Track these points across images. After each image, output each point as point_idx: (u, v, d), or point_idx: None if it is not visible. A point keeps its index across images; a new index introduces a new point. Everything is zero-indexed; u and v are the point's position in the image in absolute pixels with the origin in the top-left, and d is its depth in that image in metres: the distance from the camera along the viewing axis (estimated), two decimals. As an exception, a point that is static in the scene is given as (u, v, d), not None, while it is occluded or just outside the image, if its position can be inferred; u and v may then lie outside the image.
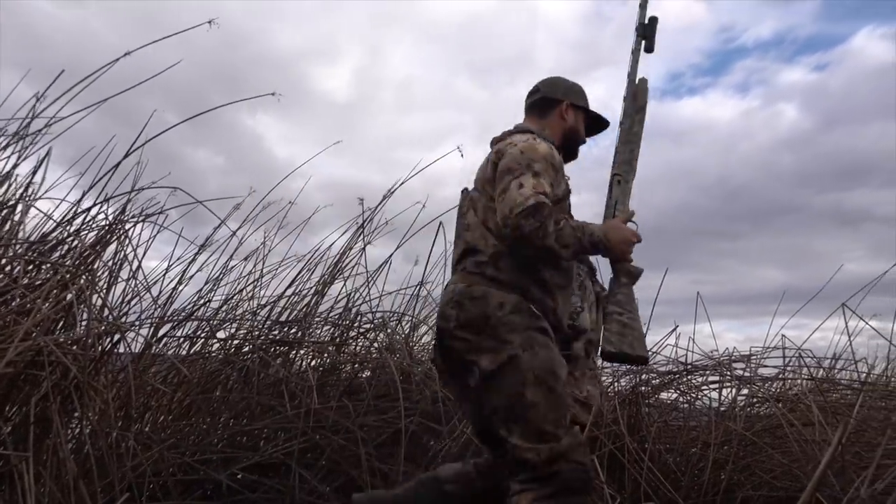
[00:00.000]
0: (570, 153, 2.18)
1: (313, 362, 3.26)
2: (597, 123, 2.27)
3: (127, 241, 2.48)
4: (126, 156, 2.43)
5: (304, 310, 3.29)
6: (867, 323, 2.94)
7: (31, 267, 2.22)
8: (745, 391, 3.26)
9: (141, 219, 2.51)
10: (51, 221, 2.35)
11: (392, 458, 2.65)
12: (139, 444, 2.33)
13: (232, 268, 3.26)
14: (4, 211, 2.30)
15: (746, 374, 3.29)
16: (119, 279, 2.54)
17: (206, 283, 3.14)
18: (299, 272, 3.36)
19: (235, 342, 3.12)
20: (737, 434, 2.82)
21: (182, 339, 2.99)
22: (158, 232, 2.70)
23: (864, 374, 3.30)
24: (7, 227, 2.29)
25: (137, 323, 2.67)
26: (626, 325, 1.96)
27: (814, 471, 2.02)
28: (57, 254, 2.33)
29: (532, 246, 1.82)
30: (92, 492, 1.98)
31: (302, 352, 3.24)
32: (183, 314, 2.99)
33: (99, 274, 2.40)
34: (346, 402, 2.76)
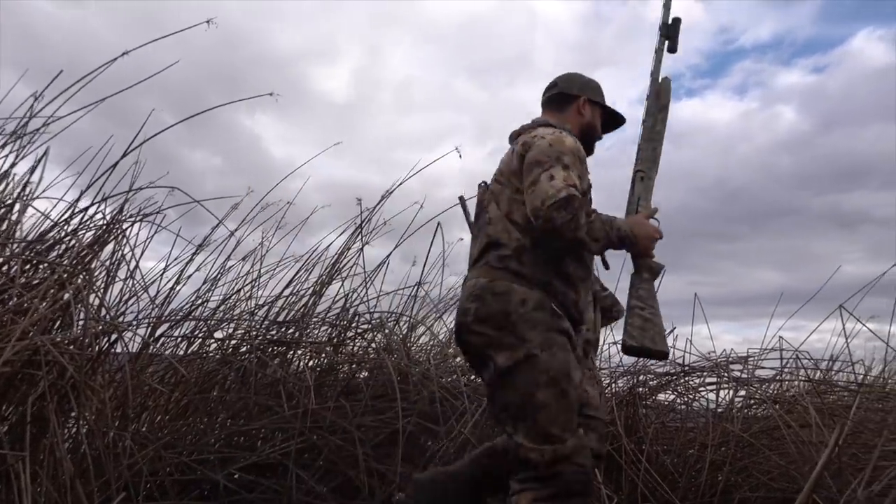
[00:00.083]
0: (586, 149, 2.18)
1: (311, 362, 3.26)
2: (613, 120, 2.28)
3: (124, 240, 2.48)
4: (124, 155, 2.43)
5: (301, 310, 3.29)
6: (864, 325, 2.94)
7: (28, 266, 2.22)
8: (742, 392, 3.26)
9: (138, 218, 2.51)
10: (48, 221, 2.35)
11: (389, 458, 2.65)
12: (136, 444, 2.33)
13: (230, 268, 3.26)
14: (2, 210, 2.30)
15: (744, 375, 3.30)
16: (116, 279, 2.54)
17: (204, 283, 3.14)
18: (297, 272, 3.36)
19: (233, 342, 3.12)
20: (734, 435, 2.82)
21: (179, 339, 2.99)
22: (156, 232, 2.70)
23: (861, 376, 3.30)
24: (4, 226, 2.29)
25: (135, 323, 2.67)
26: (648, 320, 1.98)
27: (811, 472, 2.02)
28: (54, 253, 2.32)
29: (563, 238, 1.82)
30: (88, 491, 1.97)
31: (299, 352, 3.23)
32: (180, 314, 2.99)
33: (96, 273, 2.40)
34: (343, 402, 2.76)
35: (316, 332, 3.37)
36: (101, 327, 2.25)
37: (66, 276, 2.15)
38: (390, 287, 3.54)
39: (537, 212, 1.80)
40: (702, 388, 3.36)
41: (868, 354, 3.49)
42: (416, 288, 3.58)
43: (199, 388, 2.90)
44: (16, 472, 1.78)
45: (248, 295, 3.36)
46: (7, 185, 2.39)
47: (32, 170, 2.42)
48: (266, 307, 3.30)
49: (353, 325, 3.35)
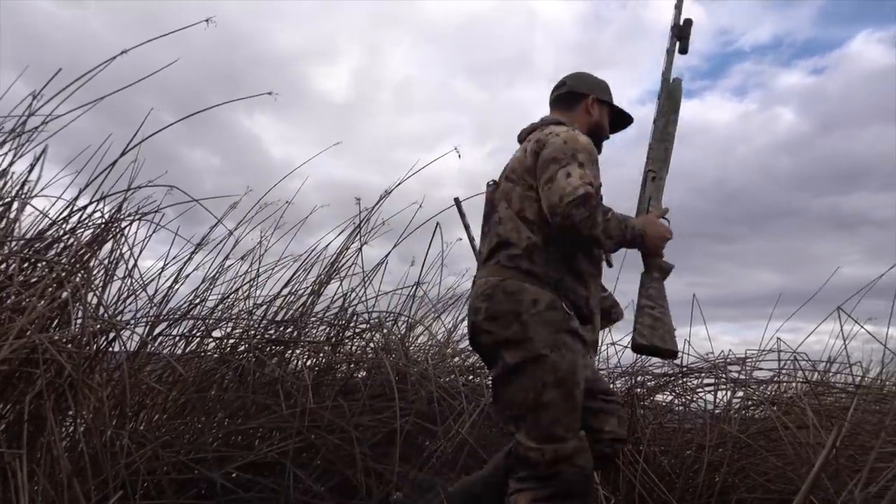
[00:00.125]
0: None
1: (309, 362, 3.26)
2: (620, 119, 2.28)
3: (123, 239, 2.48)
4: (122, 154, 2.43)
5: (300, 309, 3.29)
6: (862, 327, 2.94)
7: (26, 264, 2.22)
8: (740, 394, 3.26)
9: (137, 217, 2.51)
10: (46, 219, 2.35)
11: (387, 458, 2.65)
12: (133, 443, 2.33)
13: (228, 267, 3.26)
14: (0, 208, 2.30)
15: (742, 376, 3.30)
16: (115, 277, 2.54)
17: (202, 282, 3.13)
18: (295, 272, 3.36)
19: (231, 341, 3.12)
20: (731, 436, 2.82)
21: (177, 338, 2.99)
22: (155, 231, 2.69)
23: (859, 378, 3.31)
24: (3, 224, 2.29)
25: (133, 321, 2.67)
26: (658, 319, 1.99)
27: (808, 473, 2.02)
28: (52, 251, 2.32)
29: (580, 235, 1.83)
30: (86, 490, 1.97)
31: (297, 351, 3.23)
32: (178, 313, 2.99)
33: (94, 272, 2.40)
34: (341, 401, 2.76)
35: (314, 331, 3.37)
36: (99, 326, 2.24)
37: (64, 274, 2.15)
38: (389, 287, 3.54)
39: (555, 208, 1.81)
40: (700, 389, 3.36)
41: (866, 356, 3.50)
42: (414, 288, 3.59)
43: (197, 387, 2.90)
44: (13, 471, 1.78)
45: (246, 294, 3.36)
46: (5, 183, 2.39)
47: (31, 168, 2.42)
48: (264, 306, 3.30)
49: (352, 324, 3.35)
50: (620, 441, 2.06)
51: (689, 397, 3.40)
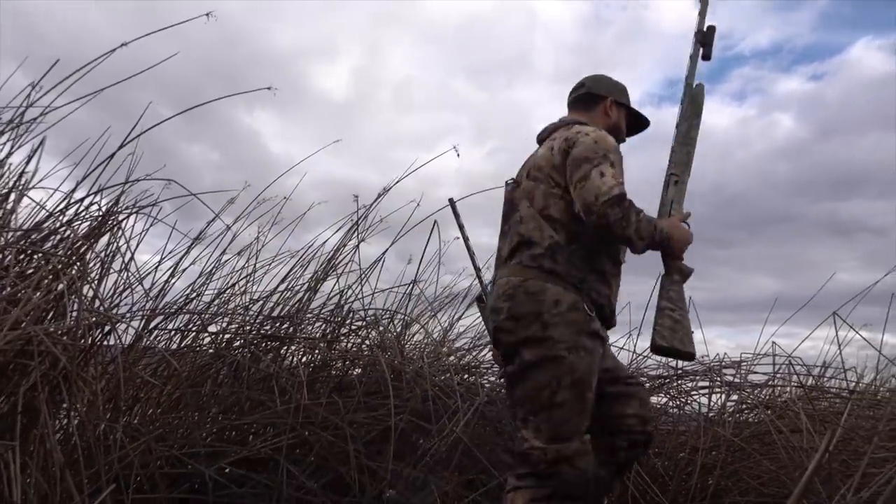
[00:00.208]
0: None
1: (304, 358, 3.26)
2: (636, 122, 2.30)
3: (120, 232, 2.47)
4: (120, 147, 2.42)
5: (296, 306, 3.28)
6: (857, 332, 2.95)
7: (22, 256, 2.21)
8: (734, 397, 3.27)
9: (134, 210, 2.50)
10: (43, 211, 2.34)
11: (381, 455, 2.65)
12: (127, 437, 2.32)
13: (225, 262, 3.25)
14: (-3, 199, 2.30)
15: (736, 380, 3.30)
16: (111, 270, 2.53)
17: (199, 276, 3.13)
18: (292, 268, 3.36)
19: (227, 336, 3.11)
20: (725, 440, 2.83)
21: (173, 333, 2.98)
22: (152, 224, 2.69)
23: (853, 384, 3.31)
24: (-1, 215, 2.29)
25: (128, 315, 2.66)
26: (678, 322, 2.00)
27: (801, 477, 2.03)
28: (49, 243, 2.32)
29: (613, 235, 1.85)
30: (78, 482, 1.97)
31: (293, 348, 3.23)
32: (174, 307, 2.98)
33: (91, 265, 2.39)
34: (336, 398, 2.76)
35: (310, 327, 3.36)
36: (94, 319, 2.24)
37: (60, 266, 2.14)
38: (385, 285, 3.54)
39: (591, 207, 1.82)
40: (694, 392, 3.37)
41: (860, 362, 3.50)
42: (411, 286, 3.59)
43: (192, 382, 2.89)
44: (5, 462, 1.78)
45: (242, 290, 3.36)
46: (3, 174, 2.38)
47: (28, 159, 2.41)
48: (261, 302, 3.30)
49: (348, 321, 3.35)
50: (647, 422, 2.08)
51: (683, 400, 3.40)
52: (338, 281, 3.37)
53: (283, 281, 3.32)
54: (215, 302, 3.19)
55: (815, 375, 3.50)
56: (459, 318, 3.94)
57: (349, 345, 3.43)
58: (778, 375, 3.33)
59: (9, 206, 2.30)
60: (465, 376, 3.49)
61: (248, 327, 3.16)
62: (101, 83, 2.36)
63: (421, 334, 3.86)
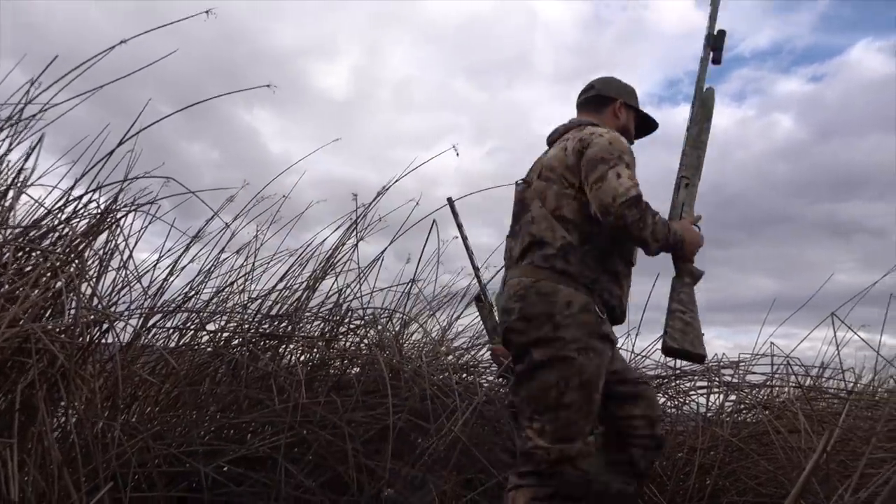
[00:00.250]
0: None
1: (302, 357, 3.25)
2: (644, 124, 2.30)
3: (118, 230, 2.47)
4: (119, 144, 2.41)
5: (294, 304, 3.28)
6: (856, 333, 2.95)
7: (20, 253, 2.21)
8: (732, 397, 3.27)
9: (133, 208, 2.50)
10: (42, 208, 2.34)
11: (379, 454, 2.65)
12: (125, 435, 2.32)
13: (223, 260, 3.24)
14: (-5, 196, 2.29)
15: (734, 380, 3.31)
16: (109, 268, 2.52)
17: (197, 274, 3.12)
18: (291, 267, 3.35)
19: (225, 335, 3.11)
20: (723, 440, 2.83)
21: (171, 331, 2.98)
22: (150, 222, 2.68)
23: (851, 384, 3.31)
24: (-3, 212, 2.28)
25: (127, 313, 2.65)
26: (689, 324, 2.01)
27: (798, 477, 2.03)
28: (47, 241, 2.31)
29: (630, 236, 1.86)
30: (76, 480, 1.96)
31: (291, 346, 3.23)
32: (173, 305, 2.98)
33: (89, 262, 2.39)
34: (334, 397, 2.75)
35: (308, 326, 3.36)
36: (92, 316, 2.23)
37: (58, 263, 2.14)
38: (384, 284, 3.54)
39: (608, 208, 1.82)
40: (692, 392, 3.37)
41: (858, 363, 3.50)
42: (409, 285, 3.58)
43: (190, 381, 2.89)
44: (3, 460, 1.77)
45: (241, 288, 3.36)
46: (1, 171, 2.38)
47: (27, 156, 2.40)
48: (259, 301, 3.29)
49: (346, 320, 3.35)
50: (654, 423, 2.08)
51: (681, 400, 3.41)
52: (336, 280, 3.37)
53: (281, 279, 3.32)
54: (214, 300, 3.19)
55: (814, 376, 3.50)
56: (458, 318, 3.95)
57: (348, 344, 3.42)
58: (776, 376, 3.33)
59: (7, 203, 2.30)
60: (464, 375, 3.49)
61: (246, 326, 3.15)
62: (101, 80, 2.36)
63: (419, 333, 3.87)
